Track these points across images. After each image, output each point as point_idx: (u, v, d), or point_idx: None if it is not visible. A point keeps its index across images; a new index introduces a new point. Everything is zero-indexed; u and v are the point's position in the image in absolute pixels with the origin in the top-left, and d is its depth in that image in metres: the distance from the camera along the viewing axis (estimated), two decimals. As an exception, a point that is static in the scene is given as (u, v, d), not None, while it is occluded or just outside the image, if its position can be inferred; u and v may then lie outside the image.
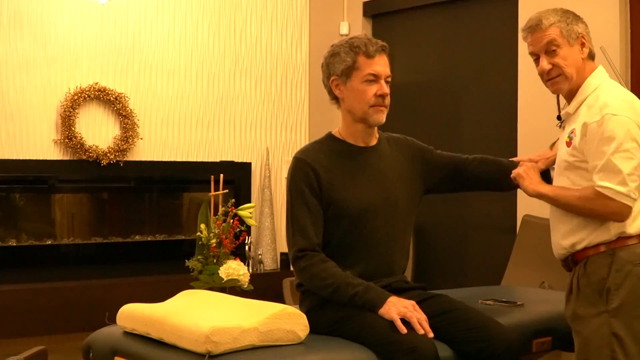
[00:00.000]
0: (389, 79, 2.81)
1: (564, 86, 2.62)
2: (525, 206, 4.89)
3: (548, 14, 2.63)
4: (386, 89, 2.79)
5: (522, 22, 5.02)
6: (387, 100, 2.80)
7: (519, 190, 3.05)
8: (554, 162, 2.82)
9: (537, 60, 2.67)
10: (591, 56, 2.64)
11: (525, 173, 2.75)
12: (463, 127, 5.71)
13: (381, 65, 2.78)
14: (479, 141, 5.49)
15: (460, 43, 5.73)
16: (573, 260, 2.61)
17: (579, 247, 2.57)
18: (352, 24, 6.36)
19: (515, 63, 5.14)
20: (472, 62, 5.64)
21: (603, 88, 2.58)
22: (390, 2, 6.20)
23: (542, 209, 4.55)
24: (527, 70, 5.05)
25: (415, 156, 2.94)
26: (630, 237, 2.50)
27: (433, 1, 5.81)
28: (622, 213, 2.47)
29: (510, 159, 3.05)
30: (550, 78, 2.64)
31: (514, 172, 2.78)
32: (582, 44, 2.61)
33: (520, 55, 5.09)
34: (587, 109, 2.55)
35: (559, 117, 2.70)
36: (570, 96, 2.64)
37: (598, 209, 2.49)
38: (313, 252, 2.71)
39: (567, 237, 2.60)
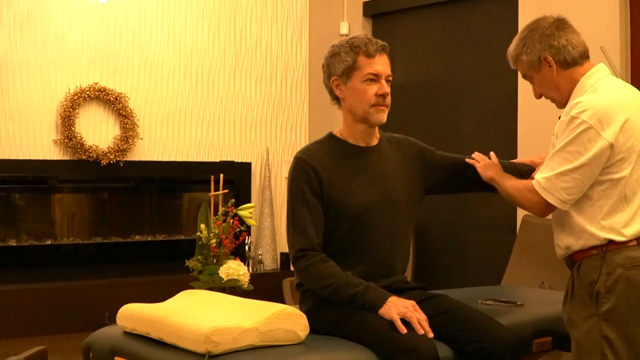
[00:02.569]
0: (390, 79, 2.81)
1: (558, 105, 2.67)
2: (525, 206, 4.89)
3: (510, 48, 2.67)
4: (387, 89, 2.79)
5: (522, 22, 5.07)
6: (388, 100, 2.80)
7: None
8: None
9: None
10: (568, 64, 2.57)
11: (481, 157, 2.90)
12: (463, 127, 5.71)
13: (381, 64, 2.78)
14: (479, 141, 5.49)
15: (460, 43, 5.74)
16: (571, 261, 2.61)
17: (574, 249, 2.56)
18: (352, 24, 6.36)
19: (515, 63, 5.14)
20: (472, 62, 5.64)
21: (595, 89, 2.54)
22: (390, 2, 6.20)
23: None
24: (527, 70, 5.05)
25: (416, 156, 2.94)
26: (621, 242, 2.48)
27: (433, 1, 5.81)
28: (538, 208, 2.54)
29: (511, 161, 3.05)
30: (547, 98, 2.70)
31: (472, 158, 2.91)
32: (548, 63, 2.58)
33: (520, 56, 5.09)
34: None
35: (560, 118, 2.70)
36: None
37: (522, 200, 2.60)
38: (313, 252, 2.71)
39: (562, 239, 2.61)
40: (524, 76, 2.68)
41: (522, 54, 2.62)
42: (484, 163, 2.87)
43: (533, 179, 2.85)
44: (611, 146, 2.43)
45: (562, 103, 2.63)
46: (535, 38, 2.59)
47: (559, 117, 2.68)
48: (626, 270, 2.45)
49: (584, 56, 2.60)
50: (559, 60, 2.57)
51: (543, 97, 2.70)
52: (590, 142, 2.42)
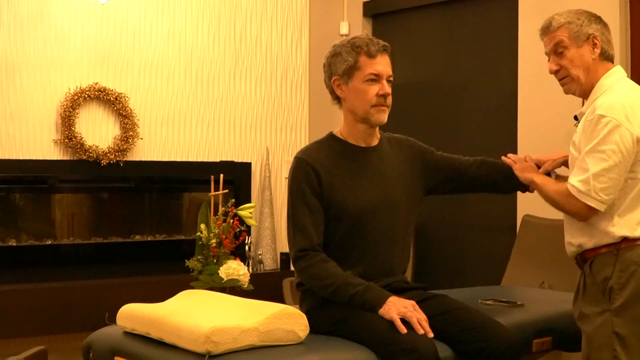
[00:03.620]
0: (391, 79, 2.81)
1: (573, 87, 2.65)
2: (525, 206, 4.89)
3: (560, 15, 2.65)
4: (388, 89, 2.79)
5: (522, 22, 5.08)
6: (389, 100, 2.80)
7: (518, 191, 3.07)
8: (560, 164, 2.83)
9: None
10: (606, 56, 2.64)
11: (518, 158, 2.86)
12: (463, 127, 5.71)
13: (383, 65, 2.78)
14: (479, 141, 5.49)
15: (460, 43, 5.73)
16: (582, 259, 2.63)
17: (587, 247, 2.59)
18: (352, 24, 6.36)
19: (515, 63, 5.14)
20: (472, 62, 5.64)
21: (613, 89, 2.58)
22: (390, 2, 6.20)
23: (542, 209, 4.57)
24: (527, 70, 5.06)
25: (416, 157, 2.94)
26: (635, 239, 2.50)
27: (433, 1, 5.81)
28: (581, 213, 2.52)
29: None
30: (560, 79, 2.68)
31: (508, 158, 2.87)
32: (594, 44, 2.61)
33: (520, 55, 5.09)
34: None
35: (575, 117, 2.71)
36: (586, 96, 2.66)
37: (565, 206, 2.56)
38: (314, 252, 2.71)
39: (575, 236, 2.63)
40: (557, 44, 2.63)
41: (572, 23, 2.62)
42: (521, 165, 2.83)
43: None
44: (638, 141, 2.46)
45: (579, 87, 2.64)
46: (592, 19, 2.64)
47: (574, 117, 2.69)
48: (639, 267, 2.47)
49: (612, 59, 2.67)
50: (603, 48, 2.63)
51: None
52: (622, 139, 2.45)
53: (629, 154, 2.46)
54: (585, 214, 2.52)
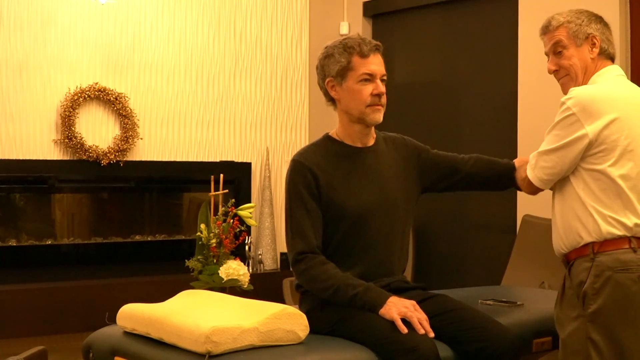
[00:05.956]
0: (385, 78, 2.81)
1: (571, 86, 2.65)
2: (525, 206, 4.89)
3: (560, 15, 2.67)
4: (382, 88, 2.78)
5: (522, 22, 5.08)
6: (384, 99, 2.80)
7: (519, 191, 3.07)
8: None
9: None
10: (606, 55, 2.65)
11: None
12: (463, 127, 5.71)
13: (376, 64, 2.77)
14: (479, 141, 5.49)
15: (460, 43, 5.73)
16: (566, 260, 2.62)
17: (564, 247, 2.59)
18: (352, 24, 6.36)
19: (515, 63, 5.14)
20: (472, 62, 5.64)
21: (597, 83, 2.60)
22: (390, 2, 6.20)
23: (542, 209, 4.57)
24: (527, 70, 5.05)
25: (412, 155, 2.94)
26: (605, 241, 2.48)
27: (433, 1, 5.81)
28: (523, 184, 2.76)
29: (508, 161, 3.05)
30: (559, 78, 2.70)
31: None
32: (593, 44, 2.62)
33: (520, 55, 5.09)
34: None
35: None
36: None
37: (517, 178, 2.88)
38: (313, 255, 2.71)
39: (553, 234, 2.65)
40: (556, 44, 2.66)
41: (573, 23, 2.64)
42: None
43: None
44: (589, 137, 2.47)
45: (578, 85, 2.64)
46: (592, 18, 2.66)
47: None
48: (615, 273, 2.45)
49: (612, 58, 2.68)
50: (602, 47, 2.64)
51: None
52: (569, 128, 2.50)
53: (573, 144, 2.49)
54: (526, 185, 2.71)
